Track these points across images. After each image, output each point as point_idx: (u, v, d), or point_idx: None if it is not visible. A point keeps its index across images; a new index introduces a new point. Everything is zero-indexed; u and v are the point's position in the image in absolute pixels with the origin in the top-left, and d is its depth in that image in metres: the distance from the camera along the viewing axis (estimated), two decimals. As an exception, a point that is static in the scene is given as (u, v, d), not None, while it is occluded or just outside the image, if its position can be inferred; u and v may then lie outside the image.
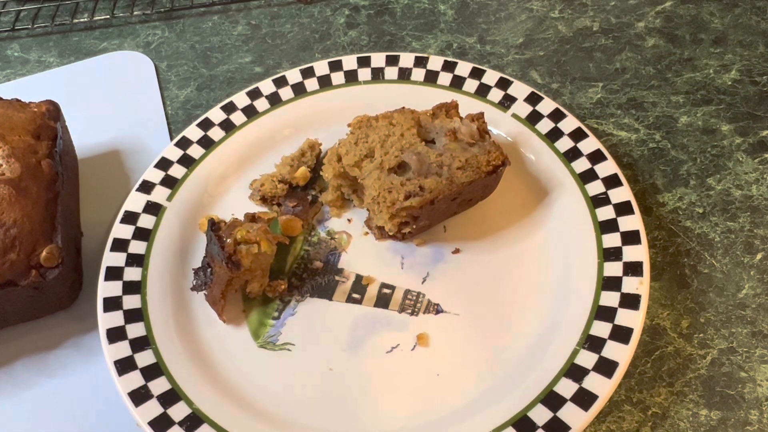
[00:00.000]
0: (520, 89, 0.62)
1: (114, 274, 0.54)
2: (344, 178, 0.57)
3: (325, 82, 0.67)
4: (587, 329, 0.47)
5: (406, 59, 0.66)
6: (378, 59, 0.67)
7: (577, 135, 0.58)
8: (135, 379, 0.48)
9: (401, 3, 0.79)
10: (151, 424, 0.46)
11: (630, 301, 0.47)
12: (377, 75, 0.66)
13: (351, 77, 0.67)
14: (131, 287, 0.54)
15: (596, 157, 0.56)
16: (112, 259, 0.55)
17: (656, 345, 0.49)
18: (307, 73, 0.67)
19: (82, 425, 0.50)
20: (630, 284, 0.48)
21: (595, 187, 0.54)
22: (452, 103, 0.58)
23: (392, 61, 0.67)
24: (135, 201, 0.59)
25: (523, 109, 0.61)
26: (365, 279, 0.54)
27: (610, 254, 0.50)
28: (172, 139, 0.68)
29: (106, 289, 0.53)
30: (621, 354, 0.45)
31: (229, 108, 0.65)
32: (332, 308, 0.53)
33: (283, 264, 0.56)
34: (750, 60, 0.67)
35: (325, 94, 0.66)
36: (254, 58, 0.76)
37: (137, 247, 0.56)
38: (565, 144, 0.58)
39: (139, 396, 0.47)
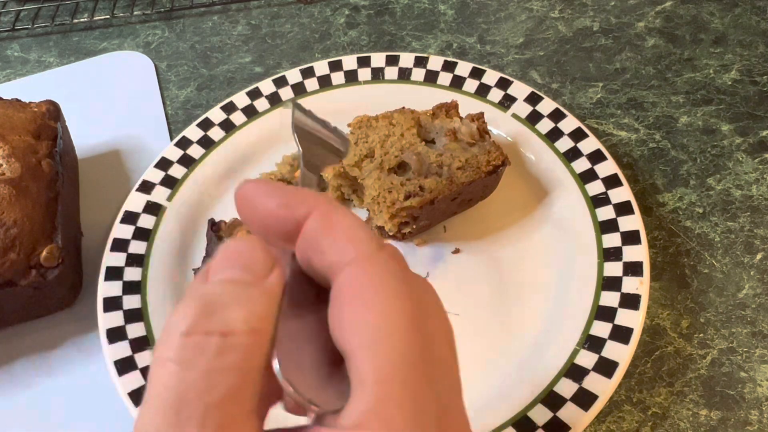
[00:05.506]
0: (520, 89, 0.62)
1: (114, 274, 0.54)
2: (344, 178, 0.57)
3: (325, 82, 0.67)
4: (587, 329, 0.47)
5: (406, 59, 0.66)
6: (378, 59, 0.67)
7: (577, 135, 0.57)
8: (135, 379, 0.48)
9: (401, 3, 0.79)
10: (151, 424, 0.46)
11: (630, 301, 0.47)
12: (377, 75, 0.66)
13: (351, 77, 0.67)
14: (131, 287, 0.54)
15: (596, 157, 0.56)
16: (112, 259, 0.55)
17: (656, 345, 0.49)
18: (307, 73, 0.67)
19: (82, 425, 0.49)
20: (630, 284, 0.48)
21: (595, 187, 0.54)
22: (452, 103, 0.58)
23: (392, 61, 0.67)
24: (135, 201, 0.59)
25: (523, 109, 0.61)
26: (365, 279, 0.54)
27: (610, 254, 0.50)
28: (172, 139, 0.68)
29: (106, 289, 0.53)
30: (621, 354, 0.45)
31: (229, 108, 0.65)
32: (332, 308, 0.53)
33: (283, 264, 0.56)
34: (750, 60, 0.67)
35: (325, 94, 0.66)
36: (254, 58, 0.76)
37: (137, 247, 0.56)
38: (565, 144, 0.58)
39: (139, 396, 0.47)
